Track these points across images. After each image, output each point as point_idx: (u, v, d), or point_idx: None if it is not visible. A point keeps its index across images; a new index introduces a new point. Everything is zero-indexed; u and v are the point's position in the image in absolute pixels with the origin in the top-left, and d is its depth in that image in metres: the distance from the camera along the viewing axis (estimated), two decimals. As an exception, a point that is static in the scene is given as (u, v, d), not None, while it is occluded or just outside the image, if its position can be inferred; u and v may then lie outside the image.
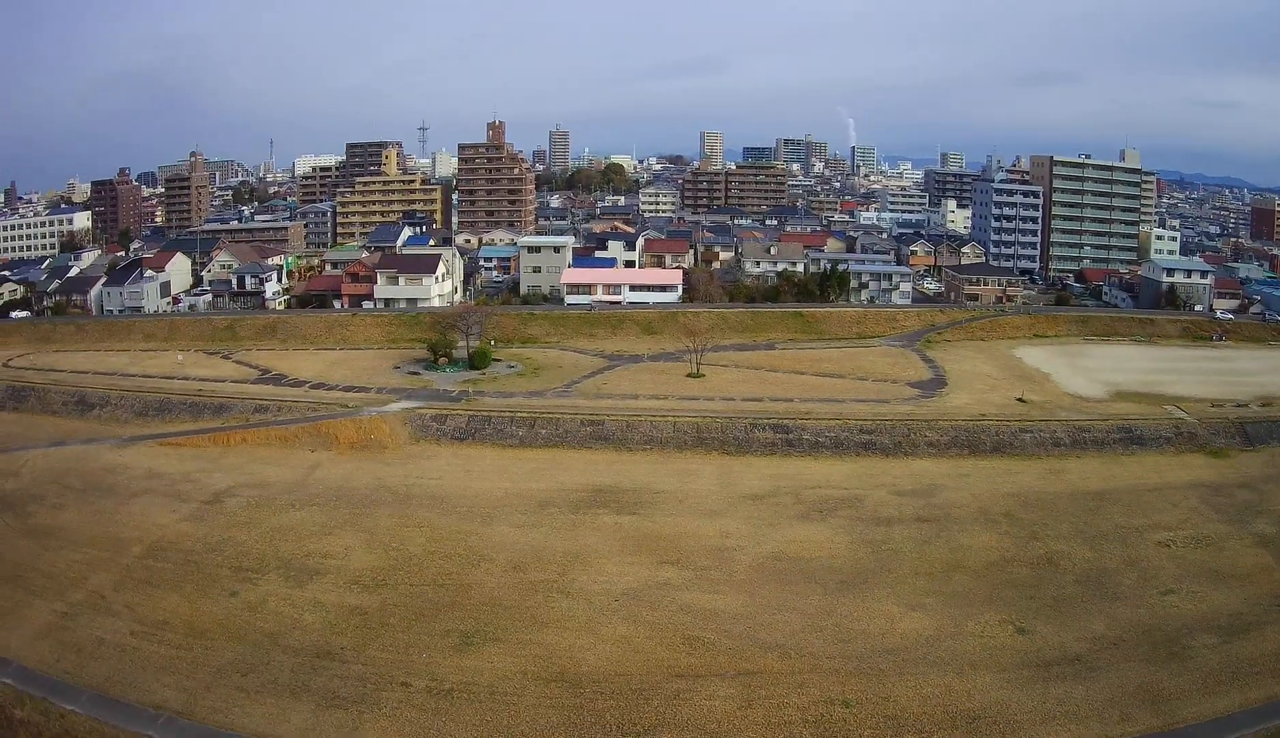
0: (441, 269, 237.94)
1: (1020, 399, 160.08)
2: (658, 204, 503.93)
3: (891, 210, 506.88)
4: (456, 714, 72.88)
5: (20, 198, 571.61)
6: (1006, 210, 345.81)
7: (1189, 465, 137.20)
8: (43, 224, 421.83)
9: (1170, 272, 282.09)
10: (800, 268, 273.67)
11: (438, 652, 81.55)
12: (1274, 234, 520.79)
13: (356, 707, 73.59)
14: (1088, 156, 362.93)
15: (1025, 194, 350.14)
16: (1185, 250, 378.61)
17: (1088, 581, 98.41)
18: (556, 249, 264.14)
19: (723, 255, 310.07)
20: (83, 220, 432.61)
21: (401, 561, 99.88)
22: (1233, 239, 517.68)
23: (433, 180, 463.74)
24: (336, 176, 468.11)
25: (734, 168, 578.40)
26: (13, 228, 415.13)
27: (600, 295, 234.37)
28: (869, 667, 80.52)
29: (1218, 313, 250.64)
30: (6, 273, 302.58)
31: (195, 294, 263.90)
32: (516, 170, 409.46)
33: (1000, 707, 74.75)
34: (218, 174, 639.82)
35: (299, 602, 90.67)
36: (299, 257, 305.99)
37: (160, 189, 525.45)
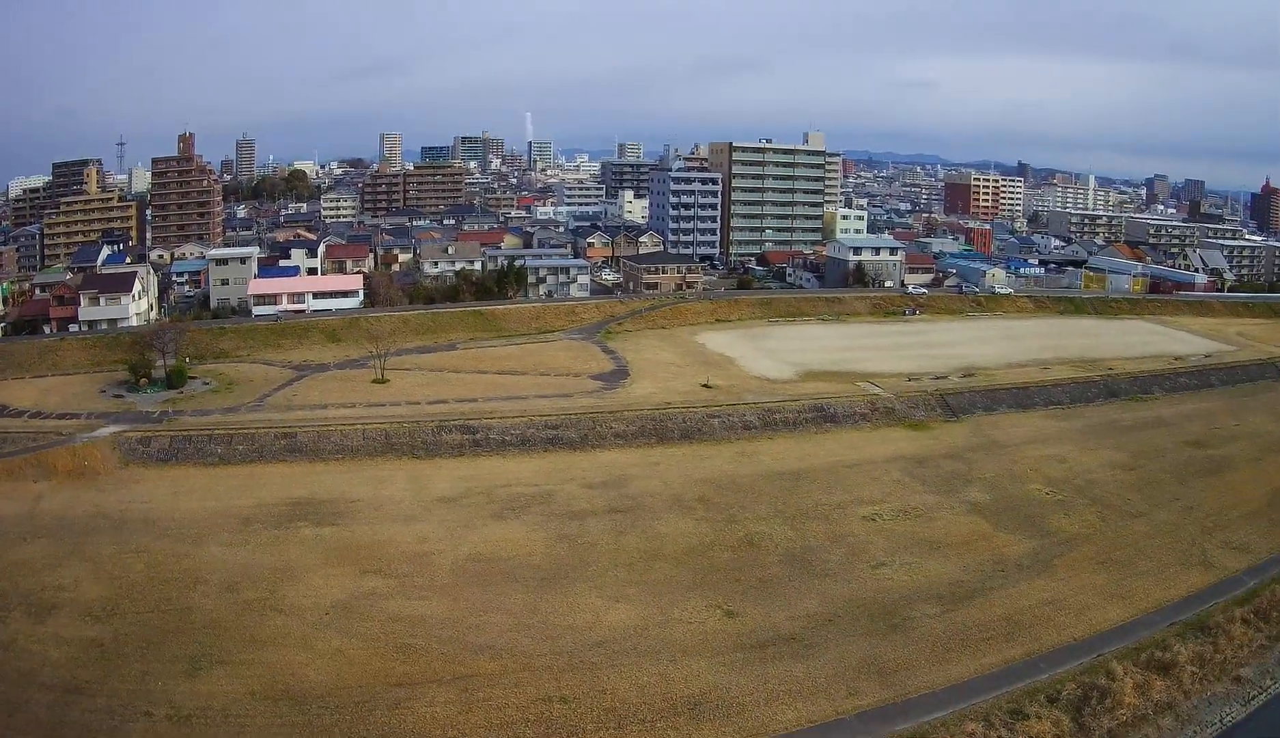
0: (138, 286, 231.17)
1: (706, 385, 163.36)
2: (339, 209, 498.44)
3: (569, 204, 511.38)
4: (195, 740, 72.73)
5: None
6: (685, 199, 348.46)
7: (889, 440, 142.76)
8: None
9: (858, 250, 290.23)
10: (478, 266, 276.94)
11: (171, 678, 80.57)
12: (970, 208, 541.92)
13: (109, 739, 73.05)
14: (768, 141, 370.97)
15: (704, 182, 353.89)
16: (874, 228, 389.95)
17: (793, 560, 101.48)
18: (243, 261, 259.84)
19: (402, 257, 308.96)
20: None
21: (126, 588, 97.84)
22: (925, 214, 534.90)
23: (130, 196, 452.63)
24: (44, 198, 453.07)
25: (412, 168, 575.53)
26: None
27: (286, 305, 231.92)
28: (581, 661, 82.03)
29: (910, 288, 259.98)
30: None
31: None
32: (205, 182, 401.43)
33: (720, 690, 76.62)
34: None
35: (43, 637, 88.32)
36: (13, 282, 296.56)
37: None
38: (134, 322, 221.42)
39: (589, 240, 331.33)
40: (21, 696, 78.41)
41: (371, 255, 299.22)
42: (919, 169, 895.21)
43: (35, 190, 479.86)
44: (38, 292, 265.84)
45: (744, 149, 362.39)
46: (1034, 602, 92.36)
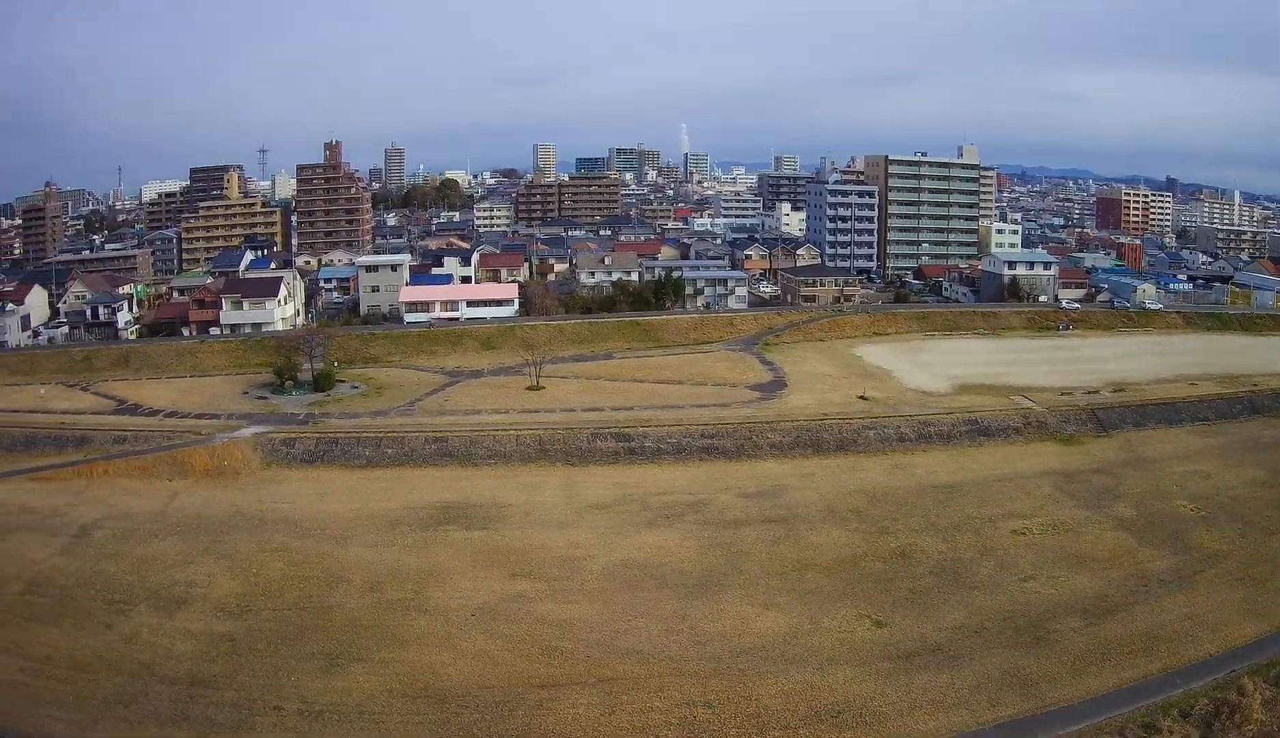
0: (283, 292, 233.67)
1: (862, 397, 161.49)
2: (492, 219, 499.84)
3: (725, 216, 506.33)
4: (328, 735, 72.55)
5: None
6: (842, 211, 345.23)
7: (1040, 454, 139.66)
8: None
9: (1012, 265, 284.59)
10: (635, 277, 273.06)
11: (305, 675, 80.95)
12: (1120, 223, 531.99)
13: (233, 732, 72.82)
14: (923, 154, 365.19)
15: (860, 194, 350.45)
16: (1028, 243, 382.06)
17: (943, 572, 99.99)
18: (394, 268, 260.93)
19: (558, 267, 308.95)
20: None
21: (262, 586, 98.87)
22: (1078, 229, 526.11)
23: (273, 203, 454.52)
24: (181, 202, 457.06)
25: (567, 179, 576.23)
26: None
27: (438, 312, 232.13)
28: (728, 668, 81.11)
29: (1064, 303, 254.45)
30: None
31: (54, 326, 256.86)
32: (353, 190, 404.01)
33: (864, 699, 75.50)
34: (70, 203, 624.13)
35: (170, 631, 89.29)
36: (148, 285, 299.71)
37: (18, 221, 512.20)
38: (279, 327, 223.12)
39: (746, 252, 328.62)
40: (140, 688, 79.22)
41: (526, 265, 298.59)
42: (1071, 183, 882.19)
43: (171, 195, 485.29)
44: (175, 295, 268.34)
45: (899, 162, 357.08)
46: (1173, 617, 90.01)
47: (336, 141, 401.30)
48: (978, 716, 73.13)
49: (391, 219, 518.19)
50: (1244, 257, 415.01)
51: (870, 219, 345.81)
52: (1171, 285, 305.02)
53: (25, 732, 73.01)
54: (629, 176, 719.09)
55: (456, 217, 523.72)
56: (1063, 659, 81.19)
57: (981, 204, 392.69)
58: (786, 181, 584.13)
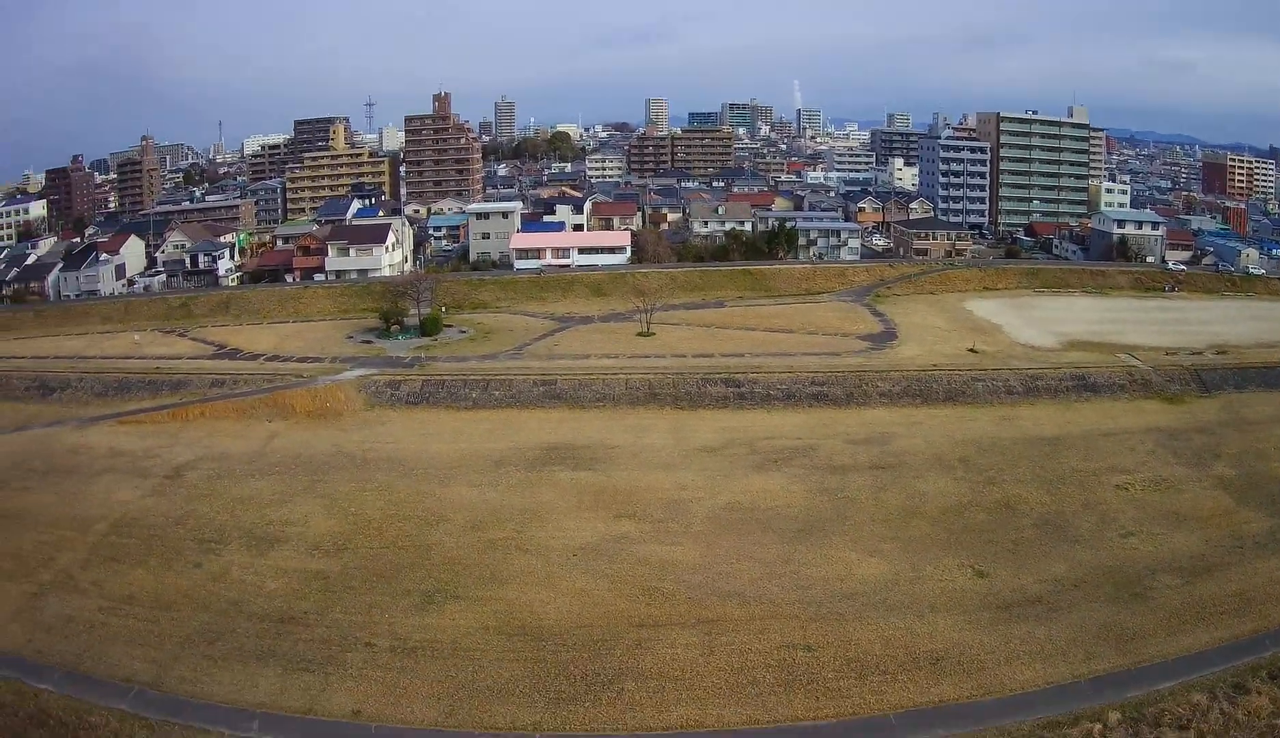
0: (391, 239, 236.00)
1: (971, 349, 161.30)
2: (604, 170, 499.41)
3: (838, 170, 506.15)
4: (421, 671, 73.12)
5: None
6: (954, 167, 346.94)
7: (1144, 411, 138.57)
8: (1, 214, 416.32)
9: (1121, 224, 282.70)
10: (748, 227, 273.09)
11: (400, 612, 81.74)
12: (1226, 188, 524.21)
13: (322, 669, 73.53)
14: (1034, 112, 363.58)
15: (972, 150, 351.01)
16: (1136, 204, 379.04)
17: (1046, 524, 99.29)
18: (505, 215, 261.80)
19: (670, 217, 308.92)
20: (38, 209, 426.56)
21: (361, 524, 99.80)
22: (1185, 193, 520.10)
23: (380, 153, 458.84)
24: (285, 154, 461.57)
25: (680, 132, 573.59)
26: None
27: (549, 259, 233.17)
28: (829, 612, 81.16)
29: (1170, 264, 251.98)
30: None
31: (150, 275, 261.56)
32: (463, 140, 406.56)
33: (962, 648, 75.42)
34: (168, 158, 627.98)
35: (261, 569, 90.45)
36: (250, 234, 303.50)
37: (113, 176, 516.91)
38: (386, 272, 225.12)
39: (859, 205, 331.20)
40: (226, 625, 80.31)
41: (639, 214, 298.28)
42: (1178, 148, 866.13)
43: (275, 147, 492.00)
44: (279, 243, 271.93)
45: (1010, 120, 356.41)
46: (1267, 579, 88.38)
47: (446, 93, 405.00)
48: (1074, 668, 72.80)
49: (502, 170, 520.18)
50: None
51: (982, 175, 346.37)
52: (1275, 250, 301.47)
53: (98, 672, 73.94)
54: (741, 131, 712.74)
55: (568, 168, 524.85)
56: (1158, 616, 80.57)
57: (1091, 164, 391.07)
58: (899, 137, 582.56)
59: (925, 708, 68.65)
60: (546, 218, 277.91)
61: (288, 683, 72.07)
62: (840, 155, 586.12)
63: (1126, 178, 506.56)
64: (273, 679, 72.57)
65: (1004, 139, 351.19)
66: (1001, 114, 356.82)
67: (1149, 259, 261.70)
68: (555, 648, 75.97)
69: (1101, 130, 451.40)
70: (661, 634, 77.89)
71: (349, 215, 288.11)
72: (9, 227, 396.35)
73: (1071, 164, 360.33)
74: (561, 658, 74.48)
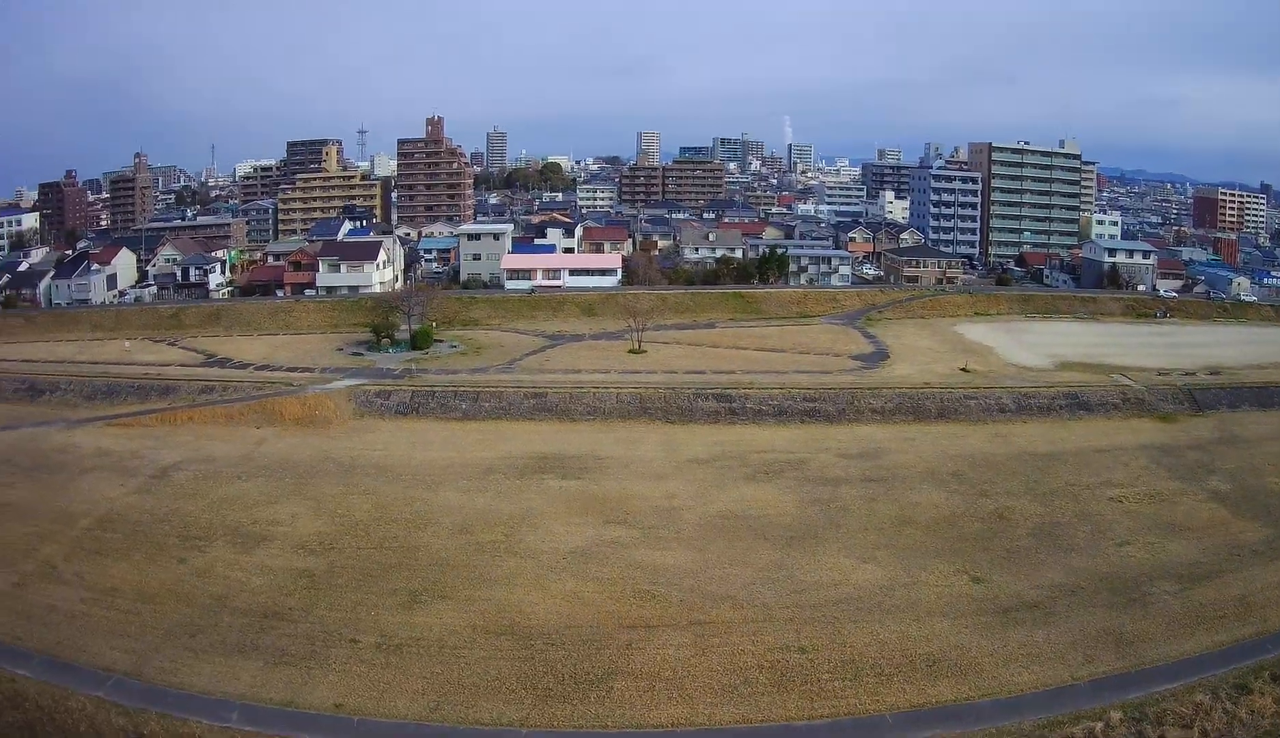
0: (383, 256, 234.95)
1: (964, 369, 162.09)
2: (595, 200, 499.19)
3: (829, 204, 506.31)
4: (406, 667, 72.32)
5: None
6: (945, 197, 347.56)
7: (1137, 430, 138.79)
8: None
9: (1112, 252, 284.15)
10: (739, 254, 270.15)
11: (386, 610, 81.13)
12: (1217, 223, 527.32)
13: (305, 663, 72.74)
14: (1026, 143, 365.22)
15: (964, 180, 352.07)
16: (1127, 238, 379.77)
17: (1041, 534, 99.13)
18: (496, 236, 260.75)
19: (661, 244, 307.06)
20: (30, 221, 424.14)
21: (348, 526, 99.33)
22: (1176, 227, 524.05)
23: (372, 178, 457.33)
24: (277, 175, 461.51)
25: (671, 164, 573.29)
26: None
27: (540, 280, 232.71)
28: (823, 616, 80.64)
29: (1162, 292, 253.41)
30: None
31: (141, 287, 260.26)
32: (455, 165, 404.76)
33: (960, 650, 74.88)
34: (160, 179, 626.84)
35: (246, 566, 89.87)
36: (242, 251, 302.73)
37: (105, 195, 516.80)
38: (377, 289, 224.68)
39: (850, 235, 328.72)
40: (209, 620, 79.77)
41: (630, 240, 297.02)
42: (1169, 186, 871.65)
43: (267, 169, 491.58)
44: (270, 259, 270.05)
45: (1002, 150, 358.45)
46: (1266, 584, 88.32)
47: (438, 117, 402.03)
48: (1073, 671, 72.36)
49: (494, 199, 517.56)
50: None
51: (973, 205, 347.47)
52: (1266, 280, 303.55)
53: (78, 660, 73.12)
54: (732, 166, 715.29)
55: (560, 198, 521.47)
56: (1158, 621, 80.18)
57: (1083, 198, 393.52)
58: (890, 170, 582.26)
59: (922, 709, 67.94)
60: (537, 241, 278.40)
61: (269, 676, 71.22)
62: (831, 189, 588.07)
63: (1117, 214, 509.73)
64: (254, 672, 71.70)
65: (996, 170, 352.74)
66: (994, 144, 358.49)
67: (1140, 287, 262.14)
68: (544, 647, 75.25)
69: (1094, 164, 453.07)
70: (653, 635, 77.24)
71: (340, 236, 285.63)
72: (1, 239, 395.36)
73: (1063, 195, 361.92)
74: (550, 657, 73.76)
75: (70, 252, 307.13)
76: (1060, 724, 65.29)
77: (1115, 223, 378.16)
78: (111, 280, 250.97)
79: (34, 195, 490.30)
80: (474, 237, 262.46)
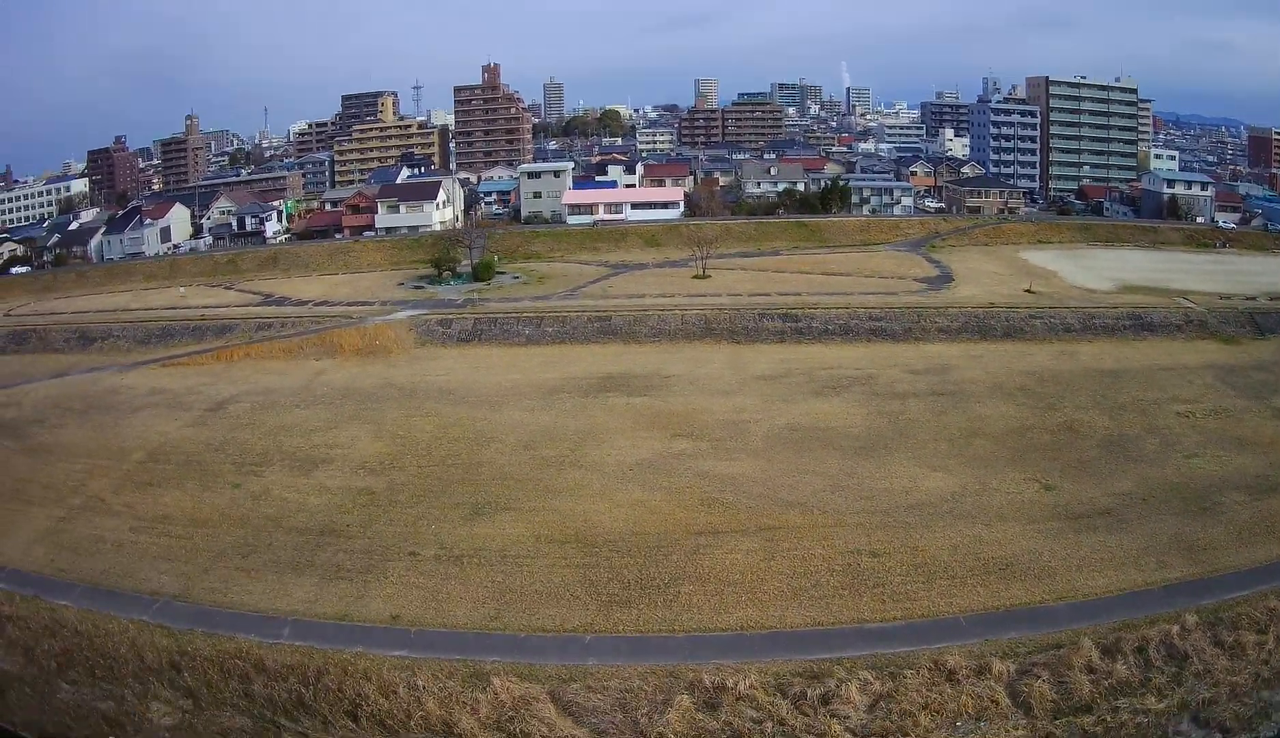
0: (442, 196, 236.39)
1: (1028, 290, 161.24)
2: (655, 143, 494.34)
3: (889, 142, 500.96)
4: (466, 578, 72.04)
5: (16, 181, 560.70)
6: (1005, 132, 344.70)
7: (1201, 350, 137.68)
8: (41, 193, 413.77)
9: (1171, 184, 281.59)
10: (801, 187, 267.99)
11: (447, 523, 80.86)
12: (1273, 161, 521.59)
13: (362, 578, 72.61)
14: (1083, 78, 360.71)
15: (1023, 114, 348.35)
16: (1185, 169, 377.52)
17: (1110, 445, 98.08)
18: (556, 174, 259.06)
19: (722, 181, 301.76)
20: (80, 186, 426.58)
21: (409, 446, 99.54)
22: (1232, 166, 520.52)
23: (430, 127, 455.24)
24: (333, 130, 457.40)
25: (730, 106, 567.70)
26: (12, 199, 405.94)
27: (602, 214, 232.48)
28: (894, 522, 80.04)
29: (1220, 223, 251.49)
30: (5, 235, 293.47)
31: (196, 240, 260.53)
32: (513, 110, 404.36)
33: (1033, 555, 74.19)
34: (213, 143, 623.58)
35: (303, 488, 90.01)
36: (298, 200, 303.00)
37: (156, 161, 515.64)
38: (437, 229, 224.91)
39: (911, 169, 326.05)
40: (262, 540, 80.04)
41: (691, 178, 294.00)
42: (1223, 129, 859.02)
43: (322, 125, 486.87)
44: (328, 206, 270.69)
45: (1060, 84, 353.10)
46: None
47: (495, 64, 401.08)
48: (1146, 576, 71.57)
49: (553, 145, 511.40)
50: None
51: (1033, 139, 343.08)
52: None
53: (122, 587, 73.32)
54: (791, 111, 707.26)
55: (619, 142, 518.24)
56: (1229, 529, 79.00)
57: (1140, 132, 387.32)
58: (950, 109, 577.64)
59: (996, 611, 67.34)
60: (598, 178, 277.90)
61: (323, 592, 71.19)
62: (891, 129, 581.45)
63: (1174, 152, 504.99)
64: (308, 588, 71.71)
65: (1053, 104, 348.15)
66: (1050, 79, 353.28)
67: (1199, 219, 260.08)
68: (609, 554, 75.06)
69: (1150, 101, 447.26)
70: (721, 541, 76.78)
71: (399, 182, 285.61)
72: (50, 205, 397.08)
73: (1120, 129, 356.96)
74: (615, 563, 73.63)
75: (121, 211, 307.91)
76: (1136, 627, 64.34)
77: (1174, 157, 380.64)
78: (165, 234, 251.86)
79: (81, 167, 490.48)
80: (534, 175, 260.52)
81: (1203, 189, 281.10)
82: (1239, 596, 68.39)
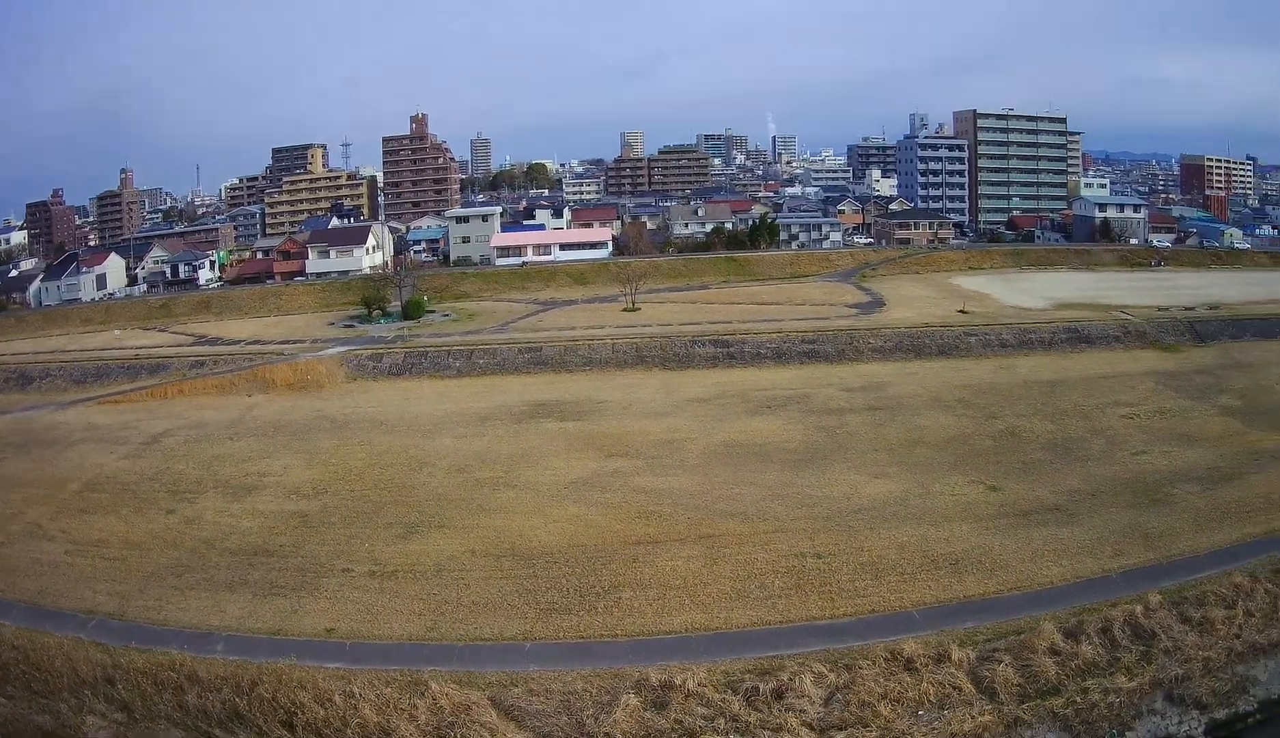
0: (371, 241, 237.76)
1: (962, 311, 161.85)
2: (582, 194, 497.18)
3: (816, 184, 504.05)
4: (401, 591, 70.53)
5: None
6: (933, 167, 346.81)
7: (1141, 359, 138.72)
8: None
9: (1103, 208, 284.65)
10: (729, 226, 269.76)
11: (380, 541, 79.47)
12: (1205, 188, 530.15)
13: (295, 594, 71.01)
14: (1011, 109, 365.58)
15: (950, 148, 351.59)
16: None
17: (1054, 447, 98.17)
18: (485, 218, 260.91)
19: (650, 224, 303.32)
20: (19, 238, 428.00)
21: (342, 472, 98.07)
22: (1164, 194, 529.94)
23: (359, 178, 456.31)
24: (263, 183, 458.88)
25: (656, 154, 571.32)
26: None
27: (530, 256, 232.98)
28: (838, 525, 78.88)
29: (1154, 242, 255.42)
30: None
31: (130, 288, 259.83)
32: (441, 160, 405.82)
33: (983, 550, 73.23)
34: (147, 200, 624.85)
35: (237, 512, 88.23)
36: (230, 251, 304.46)
37: (92, 218, 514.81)
38: (367, 272, 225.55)
39: (839, 208, 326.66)
40: (196, 560, 78.02)
41: (619, 220, 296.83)
42: (1154, 163, 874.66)
43: (253, 179, 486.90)
44: (259, 255, 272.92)
45: (987, 116, 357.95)
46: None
47: (423, 113, 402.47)
48: (1102, 564, 70.75)
49: (481, 198, 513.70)
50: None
51: (961, 173, 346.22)
52: (1256, 232, 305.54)
53: (59, 606, 71.59)
54: (717, 161, 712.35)
55: (546, 193, 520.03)
56: (1183, 517, 78.64)
57: (1069, 163, 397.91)
58: (876, 150, 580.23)
59: (949, 604, 66.09)
60: (526, 222, 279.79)
61: (257, 608, 69.45)
62: (818, 173, 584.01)
63: (1105, 181, 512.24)
64: (241, 605, 69.95)
65: (981, 137, 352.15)
66: (978, 111, 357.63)
67: (1133, 241, 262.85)
68: (546, 565, 73.43)
69: (1079, 134, 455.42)
70: (660, 550, 75.41)
71: (328, 230, 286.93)
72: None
73: (1050, 159, 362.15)
74: (553, 573, 71.99)
75: (57, 261, 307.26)
76: (1098, 610, 63.56)
77: (1104, 185, 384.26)
78: (101, 281, 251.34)
79: (20, 222, 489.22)
80: (463, 220, 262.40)
81: (1135, 211, 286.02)
82: (1201, 577, 68.04)
